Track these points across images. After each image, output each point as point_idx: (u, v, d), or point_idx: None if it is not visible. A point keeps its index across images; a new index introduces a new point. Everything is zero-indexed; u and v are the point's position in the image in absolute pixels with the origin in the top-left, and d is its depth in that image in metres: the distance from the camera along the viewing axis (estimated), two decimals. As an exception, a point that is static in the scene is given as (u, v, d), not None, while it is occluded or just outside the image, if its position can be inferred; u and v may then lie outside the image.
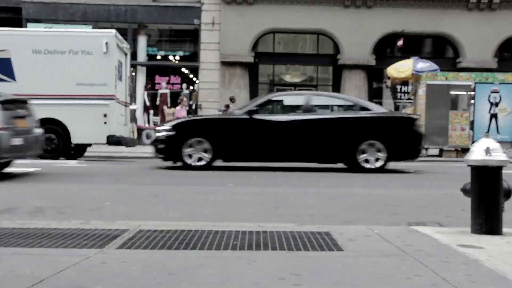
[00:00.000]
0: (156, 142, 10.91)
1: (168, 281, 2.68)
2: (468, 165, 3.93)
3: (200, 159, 10.54)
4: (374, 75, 23.38)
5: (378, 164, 10.60)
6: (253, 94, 22.27)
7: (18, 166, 10.48)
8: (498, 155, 3.83)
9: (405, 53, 21.09)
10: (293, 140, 10.69)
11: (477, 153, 3.86)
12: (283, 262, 3.08)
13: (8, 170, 9.45)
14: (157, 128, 11.22)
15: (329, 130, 10.76)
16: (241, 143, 10.68)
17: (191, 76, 24.27)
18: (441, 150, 16.95)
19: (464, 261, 3.12)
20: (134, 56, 21.35)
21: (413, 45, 22.79)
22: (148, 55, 23.49)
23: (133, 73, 21.90)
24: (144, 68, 23.57)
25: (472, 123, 16.53)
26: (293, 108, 11.53)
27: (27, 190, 7.13)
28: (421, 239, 3.78)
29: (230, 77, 22.74)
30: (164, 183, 8.49)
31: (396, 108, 23.86)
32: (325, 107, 12.07)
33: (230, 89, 22.29)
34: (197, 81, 23.66)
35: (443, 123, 16.43)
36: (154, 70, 23.69)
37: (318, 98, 11.90)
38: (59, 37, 13.73)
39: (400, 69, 18.28)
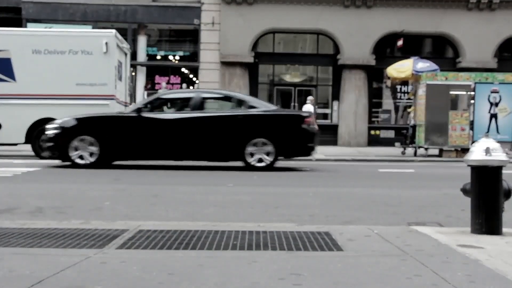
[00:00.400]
0: (45, 140, 10.84)
1: (168, 281, 2.68)
2: (468, 165, 3.93)
3: (88, 157, 10.43)
4: (374, 75, 23.36)
5: (267, 161, 10.50)
6: (253, 94, 22.21)
7: (18, 166, 10.49)
8: (498, 155, 3.83)
9: (405, 53, 21.06)
10: (181, 138, 10.58)
11: (477, 153, 3.86)
12: (283, 262, 3.08)
13: (9, 169, 9.44)
14: (46, 126, 11.00)
15: (217, 127, 10.64)
16: (129, 141, 10.56)
17: (191, 76, 24.27)
18: (441, 150, 16.92)
19: (464, 261, 3.12)
20: (134, 56, 21.35)
21: (413, 45, 22.77)
22: (148, 55, 23.49)
23: (133, 73, 21.90)
24: (144, 68, 23.56)
25: (472, 123, 16.51)
26: (183, 106, 11.35)
27: (27, 190, 7.13)
28: (421, 239, 3.78)
29: (230, 77, 22.74)
30: (164, 183, 8.49)
31: (396, 108, 23.88)
32: (214, 104, 11.86)
33: (230, 89, 22.26)
34: (197, 81, 23.66)
35: (443, 123, 16.40)
36: (154, 70, 23.69)
37: (208, 96, 11.65)
38: (59, 37, 13.71)
39: (400, 69, 18.24)
